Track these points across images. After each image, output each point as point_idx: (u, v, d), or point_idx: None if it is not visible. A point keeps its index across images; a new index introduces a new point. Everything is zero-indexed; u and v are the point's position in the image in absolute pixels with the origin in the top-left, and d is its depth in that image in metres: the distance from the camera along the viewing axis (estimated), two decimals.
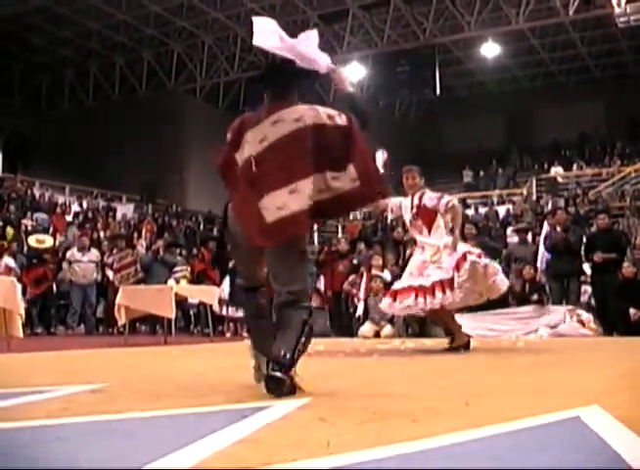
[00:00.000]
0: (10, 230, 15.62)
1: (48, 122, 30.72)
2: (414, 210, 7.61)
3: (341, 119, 4.26)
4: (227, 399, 3.39)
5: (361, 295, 13.22)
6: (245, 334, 14.09)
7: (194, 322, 15.40)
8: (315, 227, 28.67)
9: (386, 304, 7.78)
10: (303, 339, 3.82)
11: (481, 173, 32.53)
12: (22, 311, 8.29)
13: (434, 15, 26.10)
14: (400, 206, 7.82)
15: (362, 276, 13.57)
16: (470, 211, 25.51)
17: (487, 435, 2.44)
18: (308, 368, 5.12)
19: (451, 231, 7.66)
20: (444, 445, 2.28)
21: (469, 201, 28.59)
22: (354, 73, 29.90)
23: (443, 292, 7.20)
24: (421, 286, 7.27)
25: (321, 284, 14.64)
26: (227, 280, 14.09)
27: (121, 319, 10.95)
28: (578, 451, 2.23)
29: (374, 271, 13.16)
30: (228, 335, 13.97)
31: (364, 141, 4.29)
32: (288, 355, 3.66)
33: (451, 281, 7.22)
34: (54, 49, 29.91)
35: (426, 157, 35.32)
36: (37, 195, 24.55)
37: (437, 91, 27.84)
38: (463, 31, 26.54)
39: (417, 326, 12.12)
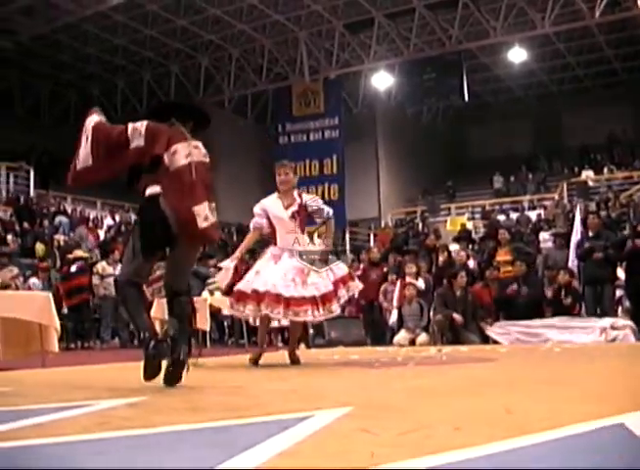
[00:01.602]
0: (40, 246, 15.72)
1: (77, 139, 30.86)
2: (294, 207, 7.14)
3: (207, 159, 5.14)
4: (267, 410, 3.37)
5: (395, 303, 13.20)
6: (280, 344, 14.13)
7: (228, 334, 15.42)
8: (348, 236, 28.81)
9: (229, 302, 7.30)
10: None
11: (512, 179, 32.38)
12: (58, 326, 8.32)
13: (459, 21, 26.01)
14: (263, 208, 7.28)
15: (394, 284, 13.55)
16: (501, 217, 25.42)
17: (530, 443, 2.39)
18: (347, 378, 5.09)
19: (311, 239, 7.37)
20: (489, 453, 2.24)
21: (501, 207, 28.51)
22: (382, 82, 29.91)
23: (323, 305, 6.85)
24: (312, 297, 6.80)
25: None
26: None
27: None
28: (622, 458, 2.19)
29: (408, 279, 13.13)
30: (264, 346, 13.96)
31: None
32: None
33: (331, 295, 6.93)
34: (81, 66, 30.18)
35: (455, 163, 35.32)
36: (69, 210, 24.75)
37: (465, 97, 27.77)
38: (489, 37, 26.42)
39: (451, 334, 12.09)
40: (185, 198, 4.76)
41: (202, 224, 4.71)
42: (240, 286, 6.99)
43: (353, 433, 2.67)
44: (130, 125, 4.94)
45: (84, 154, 5.05)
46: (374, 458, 2.18)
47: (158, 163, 4.85)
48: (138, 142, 4.86)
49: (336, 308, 7.03)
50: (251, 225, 7.41)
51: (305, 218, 7.21)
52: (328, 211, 7.34)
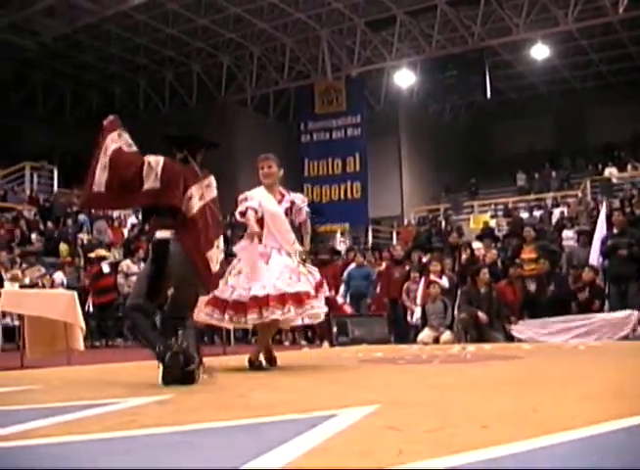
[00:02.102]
0: (64, 246, 15.83)
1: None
2: (286, 203, 6.78)
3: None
4: (294, 407, 3.38)
5: (418, 300, 13.17)
6: (303, 342, 14.17)
7: (251, 332, 15.45)
8: (370, 234, 28.78)
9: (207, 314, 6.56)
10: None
11: (536, 176, 32.20)
12: (83, 325, 8.38)
13: (481, 18, 25.88)
14: (258, 201, 6.67)
15: (417, 282, 13.52)
16: (524, 215, 25.31)
17: (557, 441, 2.40)
18: (372, 376, 5.10)
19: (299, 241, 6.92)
20: (516, 451, 2.25)
21: (523, 204, 28.38)
22: (404, 80, 29.84)
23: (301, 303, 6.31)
24: (296, 293, 6.29)
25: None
26: None
27: None
28: None
29: (432, 277, 13.11)
30: (287, 344, 14.01)
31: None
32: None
33: (308, 295, 6.37)
34: (103, 66, 30.34)
35: (477, 161, 35.16)
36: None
37: (487, 95, 27.67)
38: (511, 34, 26.26)
39: (475, 332, 12.05)
40: (200, 244, 5.13)
41: (214, 268, 5.22)
42: (222, 294, 6.39)
43: (380, 430, 2.68)
44: (146, 162, 5.09)
45: (99, 179, 5.15)
46: (401, 456, 2.18)
47: (175, 212, 5.09)
48: (153, 184, 5.03)
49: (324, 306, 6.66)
50: (250, 219, 6.50)
51: (291, 215, 6.83)
52: (307, 210, 7.02)
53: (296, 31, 28.15)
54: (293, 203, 6.81)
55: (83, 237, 20.31)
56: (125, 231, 23.07)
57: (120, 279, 14.70)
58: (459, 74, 27.46)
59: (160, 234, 5.10)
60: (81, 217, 22.29)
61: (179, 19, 26.33)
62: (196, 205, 5.13)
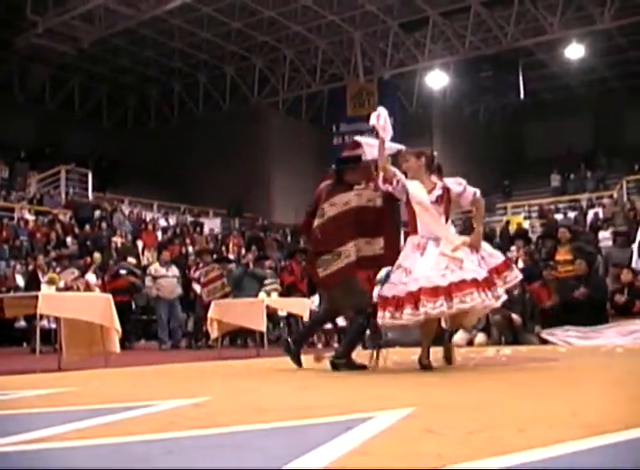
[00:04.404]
0: (97, 255, 15.97)
1: (135, 142, 31.42)
2: (438, 191, 6.40)
3: (378, 202, 6.58)
4: (331, 410, 3.38)
5: None
6: (336, 344, 14.13)
7: (287, 334, 15.48)
8: (402, 237, 28.67)
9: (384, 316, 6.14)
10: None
11: (572, 177, 31.91)
12: (119, 327, 8.43)
13: (515, 18, 25.75)
14: (404, 185, 6.42)
15: None
16: (559, 216, 25.11)
17: (598, 445, 2.37)
18: (408, 378, 5.08)
19: (462, 226, 6.71)
20: (556, 455, 2.23)
21: (562, 205, 28.16)
22: (436, 81, 29.75)
23: (489, 289, 5.92)
24: (474, 279, 5.88)
25: None
26: (317, 293, 14.21)
27: (214, 333, 11.05)
28: None
29: None
30: (319, 346, 14.00)
31: (391, 217, 6.71)
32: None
33: (492, 280, 6.04)
34: (140, 70, 30.62)
35: (512, 162, 34.96)
36: (126, 212, 25.12)
37: (522, 95, 27.50)
38: (546, 34, 26.10)
39: (510, 334, 11.96)
40: (312, 255, 6.97)
41: (321, 274, 6.67)
42: (386, 291, 6.21)
43: (418, 433, 2.67)
44: None
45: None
46: (440, 459, 2.17)
47: None
48: None
49: (502, 294, 6.13)
50: (388, 167, 6.43)
51: (449, 203, 6.47)
52: (474, 191, 6.56)
53: (329, 34, 28.20)
54: (447, 189, 6.43)
55: (117, 241, 20.46)
56: (159, 234, 23.25)
57: (148, 282, 14.74)
58: (493, 75, 27.36)
59: None
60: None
61: (213, 22, 26.54)
62: (316, 222, 6.76)
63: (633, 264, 13.15)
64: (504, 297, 6.24)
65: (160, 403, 3.78)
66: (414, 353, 6.54)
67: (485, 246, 6.53)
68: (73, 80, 31.02)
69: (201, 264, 15.13)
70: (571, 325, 11.77)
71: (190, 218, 27.01)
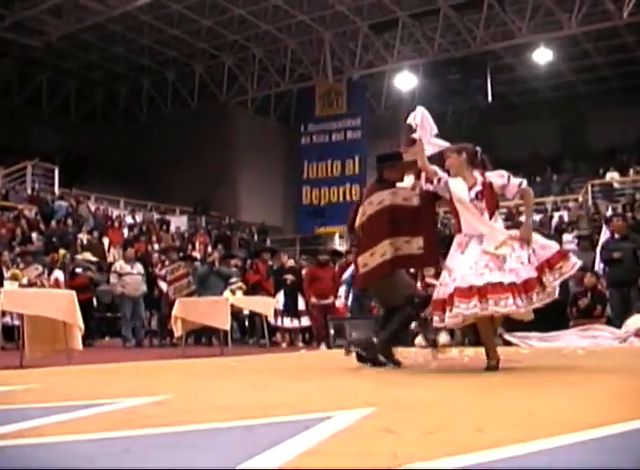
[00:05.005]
0: (62, 251, 15.90)
1: (103, 138, 31.18)
2: (478, 187, 6.19)
3: (414, 201, 6.49)
4: (290, 409, 3.38)
5: None
6: (300, 344, 14.14)
7: (249, 333, 15.45)
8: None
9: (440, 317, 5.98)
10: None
11: (538, 180, 32.12)
12: (82, 324, 8.38)
13: (484, 22, 25.90)
14: (446, 182, 6.34)
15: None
16: (523, 218, 25.24)
17: (553, 445, 2.39)
18: (369, 378, 5.09)
19: (507, 218, 6.68)
20: (512, 455, 2.24)
21: (523, 208, 28.26)
22: (405, 83, 29.83)
23: (525, 293, 5.76)
24: (512, 284, 5.70)
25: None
26: (282, 292, 14.24)
27: (178, 331, 11.02)
28: None
29: (428, 280, 13.06)
30: (284, 345, 13.99)
31: (430, 217, 6.64)
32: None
33: (534, 283, 5.81)
34: (108, 66, 30.41)
35: None
36: (92, 209, 24.93)
37: (490, 98, 27.66)
38: (514, 38, 26.31)
39: (473, 336, 12.01)
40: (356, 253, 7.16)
41: (361, 270, 6.75)
42: (435, 293, 6.10)
43: (376, 433, 2.68)
44: None
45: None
46: (397, 459, 2.18)
47: None
48: None
49: (540, 298, 5.86)
50: (428, 166, 6.44)
51: (493, 198, 6.24)
52: (520, 181, 6.31)
53: (299, 33, 28.20)
54: (489, 184, 6.21)
55: (83, 237, 20.30)
56: (125, 231, 23.12)
57: (113, 279, 14.66)
58: (461, 78, 27.50)
59: None
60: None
61: (183, 20, 26.44)
62: (357, 221, 6.87)
63: (596, 268, 13.27)
64: (544, 300, 5.96)
65: (121, 401, 3.76)
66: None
67: (537, 237, 6.24)
68: (41, 75, 30.74)
69: (167, 262, 15.07)
70: (531, 327, 11.85)
71: (156, 216, 26.85)
